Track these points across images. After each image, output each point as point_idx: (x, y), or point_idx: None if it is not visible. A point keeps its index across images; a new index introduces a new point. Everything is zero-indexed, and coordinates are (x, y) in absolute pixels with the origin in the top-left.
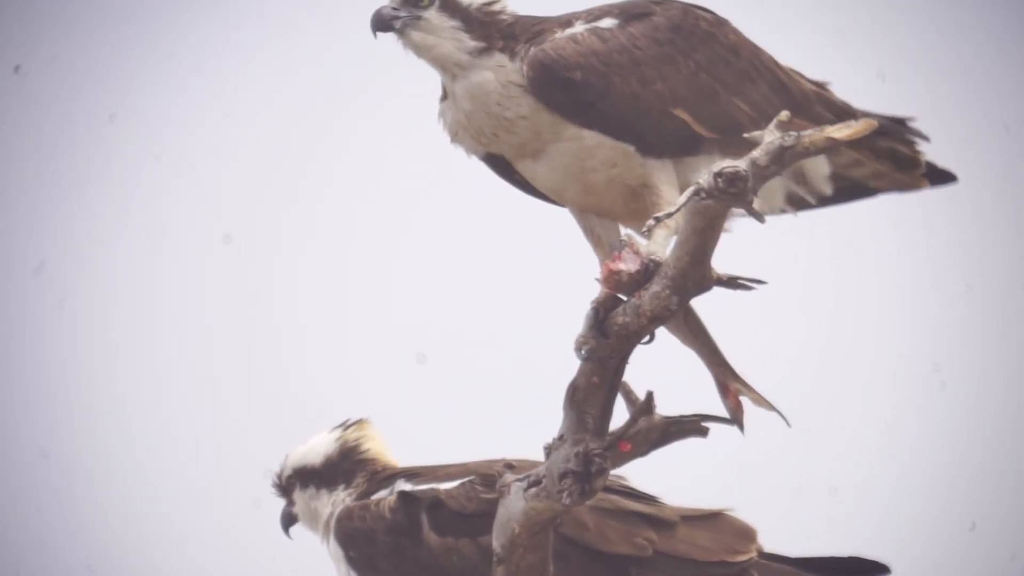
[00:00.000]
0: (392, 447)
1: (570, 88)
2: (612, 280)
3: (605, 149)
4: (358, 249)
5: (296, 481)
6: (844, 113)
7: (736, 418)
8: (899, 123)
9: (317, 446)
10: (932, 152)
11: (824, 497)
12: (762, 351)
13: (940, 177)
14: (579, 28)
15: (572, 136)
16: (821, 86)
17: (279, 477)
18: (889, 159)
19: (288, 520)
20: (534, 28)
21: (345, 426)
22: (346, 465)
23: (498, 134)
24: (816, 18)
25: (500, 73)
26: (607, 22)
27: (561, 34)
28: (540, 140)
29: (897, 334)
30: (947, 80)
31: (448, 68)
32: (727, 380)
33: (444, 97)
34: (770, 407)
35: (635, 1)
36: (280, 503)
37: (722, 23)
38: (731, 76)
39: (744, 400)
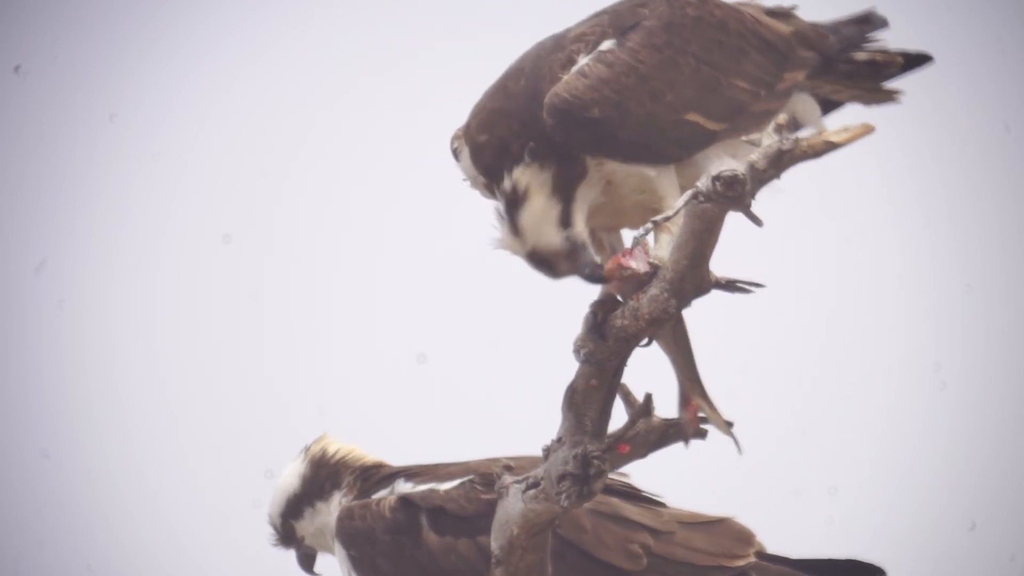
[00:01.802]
0: (385, 448)
1: (590, 125)
2: (617, 272)
3: (634, 178)
4: (358, 249)
5: (290, 518)
6: (817, 40)
7: (686, 433)
8: (863, 22)
9: (288, 475)
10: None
11: (824, 497)
12: (762, 352)
13: (916, 61)
14: (583, 60)
15: (609, 174)
16: (788, 14)
17: (274, 527)
18: (868, 73)
19: (306, 561)
20: None
21: (305, 448)
22: (325, 472)
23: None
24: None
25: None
26: (607, 44)
27: (568, 74)
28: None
29: (897, 334)
30: (947, 80)
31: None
32: (692, 394)
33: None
34: (727, 432)
35: (619, 7)
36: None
37: (704, 0)
38: (726, 57)
39: (708, 420)
